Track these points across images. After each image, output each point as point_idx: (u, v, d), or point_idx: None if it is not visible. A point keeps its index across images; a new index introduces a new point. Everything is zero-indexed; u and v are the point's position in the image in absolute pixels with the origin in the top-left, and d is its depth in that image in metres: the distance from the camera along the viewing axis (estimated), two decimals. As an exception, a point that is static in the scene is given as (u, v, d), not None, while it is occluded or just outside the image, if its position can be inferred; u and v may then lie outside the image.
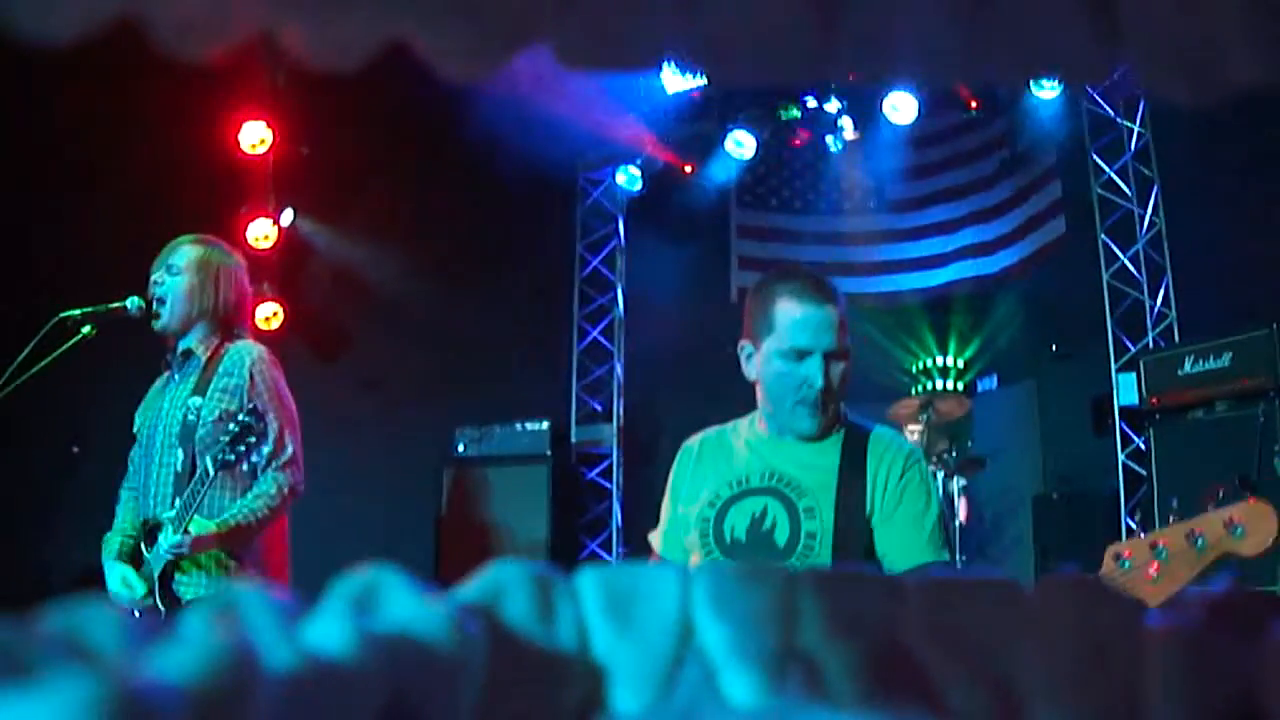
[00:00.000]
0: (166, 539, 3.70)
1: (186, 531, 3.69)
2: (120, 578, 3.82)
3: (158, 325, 4.00)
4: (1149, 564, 2.42)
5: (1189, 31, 0.68)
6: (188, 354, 4.03)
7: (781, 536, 2.99)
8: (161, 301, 3.98)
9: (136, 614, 3.76)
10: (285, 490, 3.86)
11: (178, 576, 3.76)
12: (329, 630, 0.66)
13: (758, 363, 3.17)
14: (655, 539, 3.37)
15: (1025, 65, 0.74)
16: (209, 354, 4.00)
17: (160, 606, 3.72)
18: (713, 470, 3.24)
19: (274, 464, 3.88)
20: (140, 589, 3.76)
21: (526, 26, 0.73)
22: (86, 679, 0.51)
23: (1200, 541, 2.39)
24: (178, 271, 3.99)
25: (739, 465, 3.19)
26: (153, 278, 4.02)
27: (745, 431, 3.29)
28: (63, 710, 0.50)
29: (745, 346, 3.22)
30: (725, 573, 0.73)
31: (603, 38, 0.72)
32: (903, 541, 2.97)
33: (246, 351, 3.99)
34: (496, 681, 0.69)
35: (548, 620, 0.72)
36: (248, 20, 0.78)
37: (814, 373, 3.03)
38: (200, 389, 3.91)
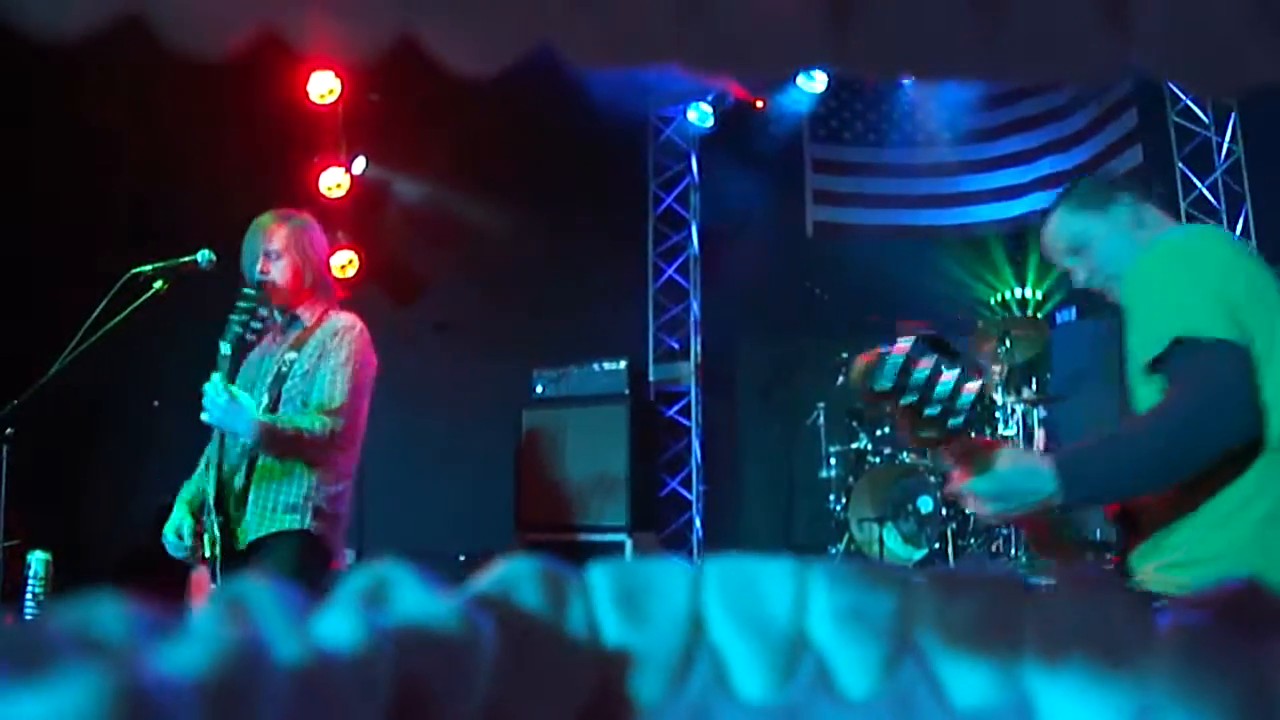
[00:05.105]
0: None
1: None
2: (174, 526, 3.93)
3: (277, 303, 4.11)
4: None
5: (1202, 30, 0.66)
6: (293, 318, 4.16)
7: None
8: (275, 284, 4.08)
9: (196, 560, 3.88)
10: (322, 430, 3.89)
11: (244, 522, 3.85)
12: (339, 624, 0.66)
13: None
14: None
15: (1038, 66, 0.72)
16: (314, 319, 4.17)
17: (214, 555, 3.79)
18: None
19: (320, 408, 3.94)
20: (189, 539, 3.86)
21: (536, 23, 0.72)
22: (96, 673, 0.52)
23: None
24: (278, 255, 4.10)
25: None
26: (258, 268, 4.09)
27: None
28: (73, 704, 0.51)
29: None
30: (735, 566, 0.73)
31: (612, 35, 0.71)
32: None
33: (342, 320, 4.15)
34: (507, 675, 0.70)
35: (559, 614, 0.72)
36: (256, 15, 0.78)
37: None
38: (297, 345, 4.08)
